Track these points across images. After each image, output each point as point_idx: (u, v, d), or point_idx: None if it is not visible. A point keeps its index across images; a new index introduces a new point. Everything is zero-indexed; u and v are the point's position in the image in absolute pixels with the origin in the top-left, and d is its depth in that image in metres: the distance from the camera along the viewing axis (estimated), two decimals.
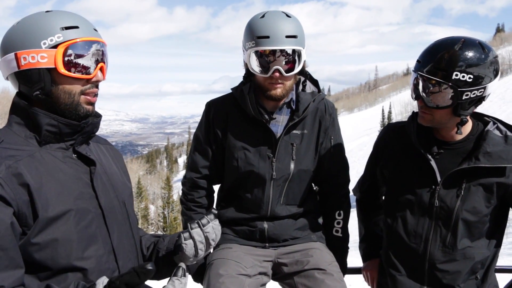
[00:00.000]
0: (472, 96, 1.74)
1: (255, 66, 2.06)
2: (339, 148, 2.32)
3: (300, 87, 2.21)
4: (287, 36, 1.99)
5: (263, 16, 2.04)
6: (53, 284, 1.29)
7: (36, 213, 1.27)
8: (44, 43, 1.33)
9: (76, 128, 1.42)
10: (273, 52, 2.00)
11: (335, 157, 2.30)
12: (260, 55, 2.03)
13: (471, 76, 1.71)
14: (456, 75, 1.71)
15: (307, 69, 2.24)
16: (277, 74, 2.03)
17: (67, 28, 1.35)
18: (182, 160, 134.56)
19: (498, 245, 1.97)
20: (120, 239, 1.49)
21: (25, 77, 1.35)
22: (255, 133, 2.17)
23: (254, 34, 2.02)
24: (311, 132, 2.21)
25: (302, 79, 2.22)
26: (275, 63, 2.02)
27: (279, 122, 2.18)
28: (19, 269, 1.24)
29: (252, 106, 2.12)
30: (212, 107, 2.27)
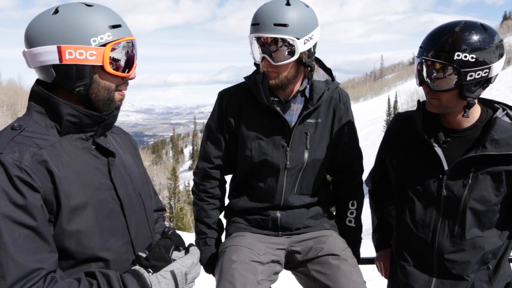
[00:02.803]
0: (476, 77, 1.72)
1: (253, 53, 2.07)
2: (353, 137, 2.31)
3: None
4: (276, 24, 1.95)
5: (266, 3, 2.03)
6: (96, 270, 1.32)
7: (59, 202, 1.29)
8: (94, 41, 1.36)
9: (97, 119, 1.44)
10: (265, 39, 1.98)
11: (349, 146, 2.29)
12: (259, 42, 2.01)
13: (474, 56, 1.70)
14: (458, 55, 1.70)
15: (319, 58, 2.22)
16: (265, 62, 2.03)
17: (114, 26, 1.40)
18: (188, 150, 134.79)
19: None
20: (137, 231, 1.51)
21: (66, 71, 1.36)
22: (269, 122, 2.15)
23: (251, 21, 2.03)
24: (325, 121, 2.20)
25: (316, 68, 2.18)
26: (264, 51, 2.01)
27: (293, 111, 2.16)
28: (53, 253, 1.27)
29: (265, 95, 2.10)
30: (225, 96, 2.25)
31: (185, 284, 1.43)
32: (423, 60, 1.78)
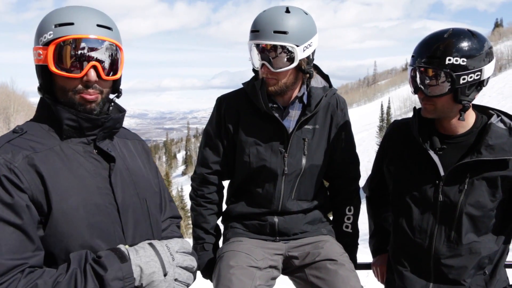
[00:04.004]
0: (469, 80, 1.75)
1: (253, 59, 2.08)
2: (350, 143, 2.32)
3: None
4: (275, 31, 1.97)
5: (265, 10, 2.05)
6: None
7: (50, 204, 1.30)
8: (41, 40, 1.37)
9: (95, 122, 1.43)
10: (265, 46, 2.00)
11: (346, 152, 2.31)
12: (258, 49, 2.02)
13: (465, 60, 1.73)
14: (450, 59, 1.73)
15: (316, 64, 2.23)
16: (264, 69, 2.04)
17: (60, 25, 1.35)
18: (181, 155, 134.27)
19: (508, 241, 1.95)
20: (136, 236, 1.48)
21: (36, 72, 1.41)
22: (267, 128, 2.16)
23: (251, 28, 2.05)
24: (322, 127, 2.22)
25: (313, 74, 2.19)
26: (263, 58, 2.02)
27: (291, 117, 2.18)
28: (38, 251, 1.28)
29: (263, 101, 2.11)
30: (224, 102, 2.26)
31: (171, 259, 1.38)
32: (416, 68, 1.81)
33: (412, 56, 1.84)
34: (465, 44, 1.75)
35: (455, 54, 1.74)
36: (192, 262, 1.45)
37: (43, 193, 1.30)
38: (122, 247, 1.35)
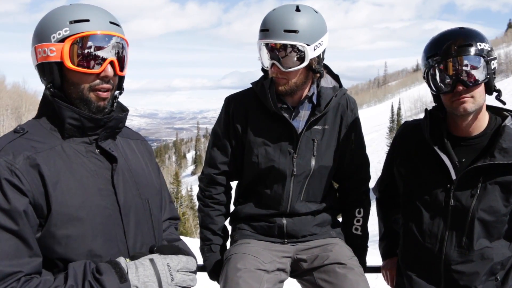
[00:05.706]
0: (495, 65, 1.75)
1: (262, 59, 2.06)
2: (360, 144, 2.29)
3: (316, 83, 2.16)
4: (286, 30, 1.95)
5: (275, 9, 2.03)
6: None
7: (50, 206, 1.28)
8: (53, 37, 1.35)
9: (98, 122, 1.42)
10: (275, 45, 1.97)
11: (356, 153, 2.28)
12: (268, 48, 2.00)
13: (488, 45, 1.73)
14: (480, 45, 1.72)
15: (326, 64, 2.21)
16: (274, 69, 2.02)
17: (76, 21, 1.36)
18: (190, 155, 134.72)
19: None
20: (137, 238, 1.47)
21: (40, 70, 1.39)
22: (276, 128, 2.14)
23: (260, 27, 2.03)
24: (332, 128, 2.19)
25: (324, 74, 2.17)
26: (273, 57, 2.00)
27: (301, 118, 2.15)
28: (36, 257, 1.26)
29: (272, 101, 2.09)
30: (232, 102, 2.24)
31: (170, 279, 1.36)
32: (450, 61, 1.72)
33: (434, 54, 1.76)
34: (480, 34, 1.74)
35: (480, 40, 1.72)
36: (192, 281, 1.44)
37: (43, 194, 1.28)
38: (122, 262, 1.33)
